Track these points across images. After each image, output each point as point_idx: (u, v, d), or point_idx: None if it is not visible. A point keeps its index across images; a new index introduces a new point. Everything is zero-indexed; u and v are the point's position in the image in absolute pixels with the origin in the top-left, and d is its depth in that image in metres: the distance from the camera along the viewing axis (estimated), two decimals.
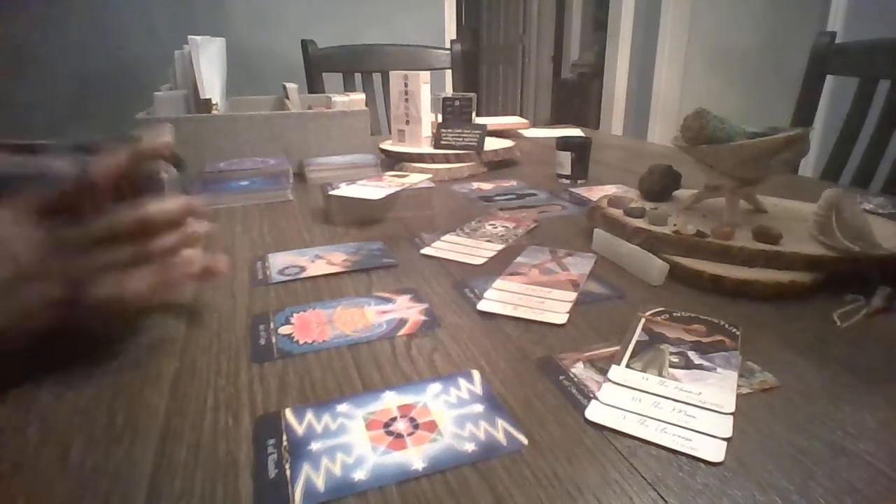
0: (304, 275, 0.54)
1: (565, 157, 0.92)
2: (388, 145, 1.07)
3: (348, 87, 1.60)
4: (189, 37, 0.96)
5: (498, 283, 0.52)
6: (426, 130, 1.06)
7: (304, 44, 1.57)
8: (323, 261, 0.58)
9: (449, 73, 1.71)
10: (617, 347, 0.41)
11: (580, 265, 0.56)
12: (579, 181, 0.93)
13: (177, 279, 0.39)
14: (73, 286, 0.36)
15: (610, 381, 0.36)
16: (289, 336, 0.43)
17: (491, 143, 1.08)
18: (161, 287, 0.39)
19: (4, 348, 0.35)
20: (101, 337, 0.43)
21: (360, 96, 1.17)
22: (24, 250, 0.35)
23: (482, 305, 0.47)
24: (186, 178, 0.44)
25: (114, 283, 0.37)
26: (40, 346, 0.37)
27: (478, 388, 0.36)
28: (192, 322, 0.45)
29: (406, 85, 1.04)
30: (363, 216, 0.72)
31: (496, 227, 0.68)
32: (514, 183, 0.93)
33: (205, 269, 0.49)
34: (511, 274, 0.54)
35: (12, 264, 0.35)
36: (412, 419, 0.33)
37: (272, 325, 0.44)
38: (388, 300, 0.49)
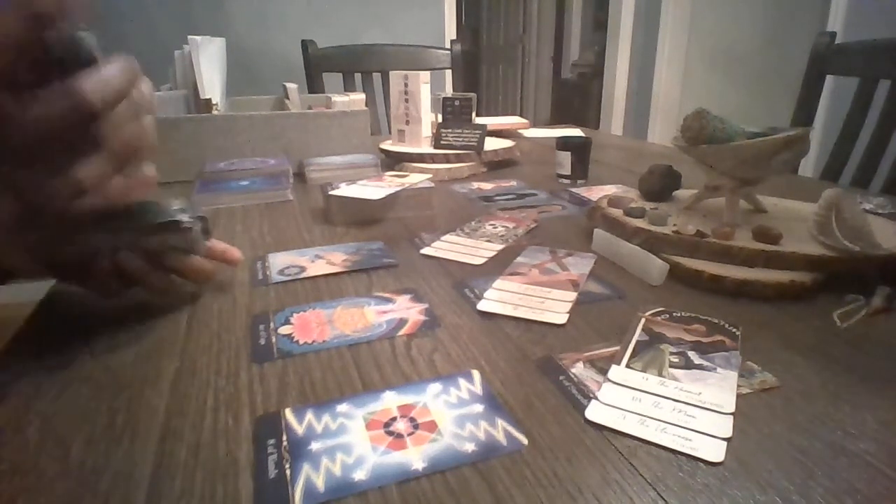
0: (304, 275, 0.54)
1: (565, 157, 0.92)
2: (388, 145, 1.07)
3: (348, 87, 1.60)
4: (189, 37, 0.96)
5: (498, 283, 0.52)
6: (426, 130, 1.06)
7: (304, 44, 1.57)
8: (323, 261, 0.58)
9: (449, 73, 1.71)
10: (617, 347, 0.41)
11: (580, 265, 0.56)
12: (579, 181, 0.93)
13: (130, 154, 0.34)
14: (20, 195, 0.31)
15: (610, 381, 0.36)
16: (289, 336, 0.43)
17: (491, 143, 1.08)
18: (117, 167, 0.34)
19: None
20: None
21: (360, 96, 1.17)
22: None
23: (482, 305, 0.47)
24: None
25: (64, 178, 0.31)
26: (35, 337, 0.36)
27: (478, 388, 0.36)
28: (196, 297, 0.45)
29: (406, 85, 1.04)
30: (363, 216, 0.72)
31: (496, 227, 0.68)
32: (514, 183, 0.93)
33: (223, 253, 0.49)
34: (511, 274, 0.54)
35: None
36: (412, 419, 0.33)
37: (272, 325, 0.44)
38: (388, 300, 0.49)
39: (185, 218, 0.44)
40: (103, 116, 0.32)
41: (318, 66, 1.58)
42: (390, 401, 0.35)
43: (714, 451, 0.30)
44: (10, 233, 0.33)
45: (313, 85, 1.58)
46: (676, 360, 0.39)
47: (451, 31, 2.65)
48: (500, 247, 0.62)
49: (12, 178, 0.31)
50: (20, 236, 0.33)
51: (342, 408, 0.34)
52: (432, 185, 0.76)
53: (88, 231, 0.39)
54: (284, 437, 0.31)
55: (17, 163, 0.31)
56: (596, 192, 0.85)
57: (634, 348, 0.40)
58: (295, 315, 0.46)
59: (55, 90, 0.30)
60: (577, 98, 4.06)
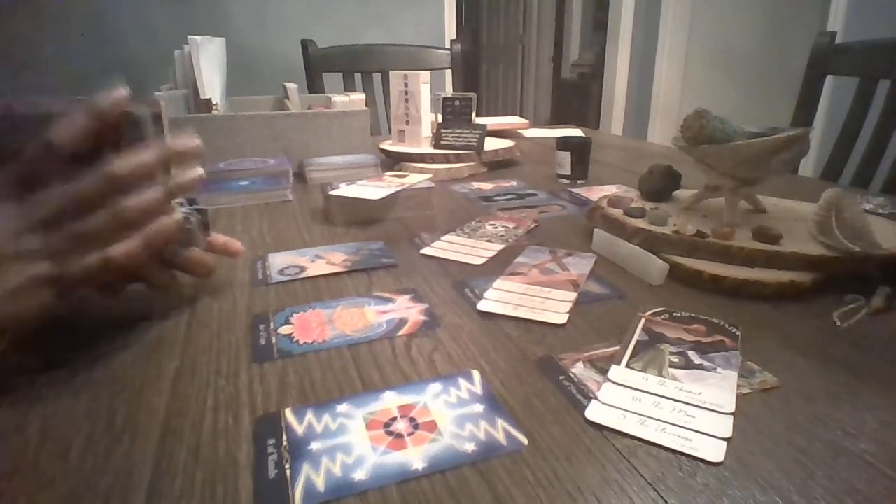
0: (304, 275, 0.54)
1: (565, 157, 0.92)
2: (388, 145, 1.07)
3: (348, 87, 1.60)
4: (189, 37, 0.96)
5: (498, 283, 0.52)
6: (426, 130, 1.06)
7: (304, 44, 1.57)
8: (323, 261, 0.58)
9: (449, 73, 1.71)
10: (617, 347, 0.41)
11: (580, 265, 0.56)
12: (579, 181, 0.93)
13: (161, 237, 0.38)
14: (55, 260, 0.35)
15: (610, 381, 0.36)
16: (289, 336, 0.43)
17: (491, 143, 1.08)
18: (148, 247, 0.37)
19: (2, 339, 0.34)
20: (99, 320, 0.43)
21: (360, 96, 1.17)
22: None
23: (482, 305, 0.47)
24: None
25: (95, 252, 0.35)
26: (35, 337, 0.37)
27: (478, 388, 0.36)
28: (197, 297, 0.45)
29: (406, 85, 1.04)
30: (363, 216, 0.72)
31: (496, 227, 0.68)
32: (514, 183, 0.93)
33: (224, 246, 0.49)
34: (511, 274, 0.54)
35: None
36: (412, 419, 0.33)
37: (272, 325, 0.44)
38: (388, 300, 0.49)
39: (182, 210, 0.44)
40: (131, 192, 0.36)
41: (318, 66, 1.58)
42: (390, 401, 0.35)
43: (714, 451, 0.30)
44: (36, 296, 0.35)
45: (313, 85, 1.58)
46: (676, 360, 0.39)
47: (451, 31, 2.65)
48: (500, 247, 0.62)
49: (52, 237, 0.35)
50: (30, 300, 0.35)
51: (342, 408, 0.34)
52: (432, 185, 0.76)
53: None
54: (284, 437, 0.31)
55: (57, 231, 0.35)
56: (596, 192, 0.85)
57: (634, 348, 0.40)
58: (295, 315, 0.46)
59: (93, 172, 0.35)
60: (577, 98, 4.06)
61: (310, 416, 0.33)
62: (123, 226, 0.36)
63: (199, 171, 0.42)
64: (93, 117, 0.36)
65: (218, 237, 0.50)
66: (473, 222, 0.71)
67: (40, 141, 0.35)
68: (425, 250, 0.61)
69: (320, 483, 0.28)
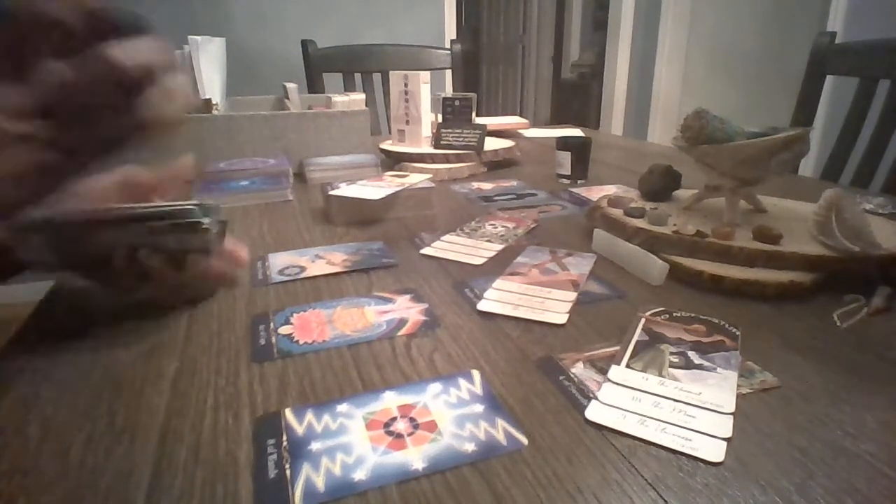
0: (304, 275, 0.54)
1: (565, 157, 0.92)
2: (388, 145, 1.07)
3: (348, 87, 1.60)
4: (189, 37, 0.96)
5: (498, 283, 0.52)
6: (426, 130, 1.06)
7: (304, 44, 1.57)
8: (323, 261, 0.58)
9: (449, 73, 1.71)
10: (617, 347, 0.41)
11: (580, 265, 0.56)
12: (579, 181, 0.93)
13: (164, 113, 0.35)
14: (60, 142, 0.32)
15: (610, 381, 0.36)
16: (289, 336, 0.43)
17: (491, 143, 1.08)
18: (152, 124, 0.35)
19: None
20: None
21: (360, 96, 1.17)
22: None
23: (482, 305, 0.47)
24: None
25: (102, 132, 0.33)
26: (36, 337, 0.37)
27: (478, 388, 0.36)
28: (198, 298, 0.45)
29: (406, 85, 1.04)
30: (363, 216, 0.72)
31: (496, 227, 0.68)
32: (514, 183, 0.93)
33: (230, 254, 0.49)
34: (511, 274, 0.54)
35: None
36: (412, 419, 0.33)
37: (272, 325, 0.44)
38: (388, 300, 0.49)
39: (205, 220, 0.44)
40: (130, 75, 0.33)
41: (318, 66, 1.58)
42: (390, 401, 0.35)
43: (714, 451, 0.30)
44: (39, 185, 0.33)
45: (313, 85, 1.58)
46: (676, 360, 0.39)
47: (451, 31, 2.65)
48: (500, 247, 0.62)
49: (60, 139, 0.32)
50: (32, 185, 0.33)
51: (342, 408, 0.34)
52: (432, 185, 0.76)
53: (111, 226, 0.40)
54: (284, 437, 0.31)
55: (62, 125, 0.32)
56: (596, 192, 0.85)
57: (634, 348, 0.40)
58: (295, 315, 0.46)
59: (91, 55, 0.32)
60: (577, 98, 4.06)
61: (310, 416, 0.33)
62: (126, 113, 0.33)
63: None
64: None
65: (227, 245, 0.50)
66: (473, 222, 0.71)
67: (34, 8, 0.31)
68: (425, 250, 0.61)
69: (320, 483, 0.28)
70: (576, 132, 1.43)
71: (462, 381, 0.37)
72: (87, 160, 0.35)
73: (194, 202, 0.44)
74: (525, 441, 0.31)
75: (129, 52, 0.33)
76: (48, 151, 0.32)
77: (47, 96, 0.32)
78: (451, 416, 0.33)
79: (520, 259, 0.58)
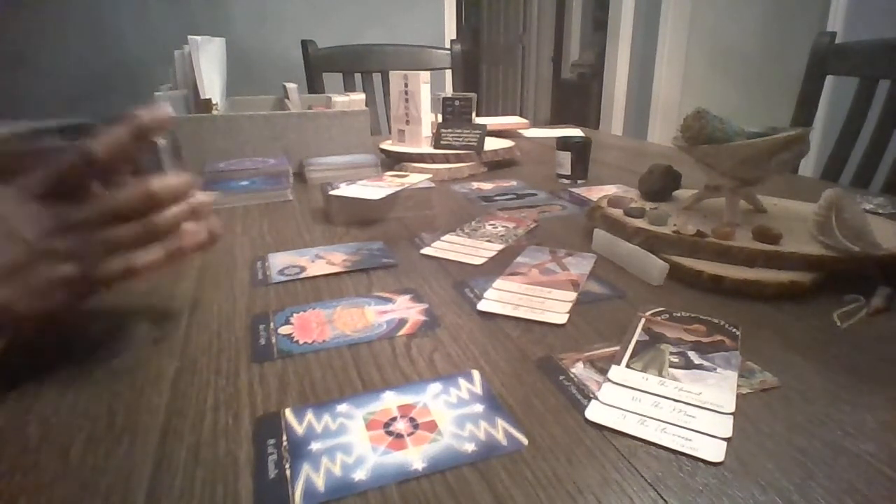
0: (304, 275, 0.54)
1: (565, 157, 0.92)
2: (388, 145, 1.07)
3: (348, 87, 1.60)
4: (189, 37, 0.96)
5: (498, 283, 0.52)
6: (426, 130, 1.06)
7: (304, 44, 1.57)
8: (323, 261, 0.58)
9: (449, 73, 1.71)
10: (617, 347, 0.41)
11: (580, 265, 0.56)
12: (579, 181, 0.93)
13: (184, 252, 0.40)
14: (81, 264, 0.36)
15: (610, 381, 0.36)
16: (289, 336, 0.43)
17: (491, 143, 1.08)
18: (169, 261, 0.39)
19: (17, 332, 0.35)
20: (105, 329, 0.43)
21: (360, 96, 1.17)
22: (30, 229, 0.35)
23: (482, 305, 0.47)
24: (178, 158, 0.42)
25: (122, 260, 0.37)
26: (51, 332, 0.37)
27: (478, 388, 0.36)
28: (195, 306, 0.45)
29: (406, 85, 1.04)
30: (363, 216, 0.72)
31: (496, 227, 0.68)
32: (514, 183, 0.93)
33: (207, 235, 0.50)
34: (511, 274, 0.54)
35: (20, 244, 0.34)
36: (412, 419, 0.33)
37: (272, 325, 0.44)
38: (388, 300, 0.49)
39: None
40: (162, 210, 0.38)
41: (318, 66, 1.58)
42: (390, 401, 0.35)
43: (714, 451, 0.30)
44: (58, 292, 0.36)
45: (313, 85, 1.58)
46: (676, 360, 0.39)
47: (451, 31, 2.65)
48: (500, 247, 0.62)
49: (83, 245, 0.36)
50: (52, 298, 0.36)
51: (342, 408, 0.34)
52: (432, 185, 0.76)
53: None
54: (284, 437, 0.31)
55: (90, 234, 0.37)
56: (596, 192, 0.85)
57: (634, 348, 0.40)
58: (295, 315, 0.46)
59: (135, 181, 0.38)
60: (577, 98, 4.06)
61: (310, 416, 0.33)
62: (151, 238, 0.38)
63: (210, 196, 0.44)
64: (133, 134, 0.38)
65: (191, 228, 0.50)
66: (473, 222, 0.71)
67: (79, 149, 0.36)
68: (425, 250, 0.61)
69: (320, 483, 0.28)
70: (576, 132, 1.43)
71: (462, 381, 0.37)
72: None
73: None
74: (525, 441, 0.31)
75: (168, 185, 0.39)
76: (73, 266, 0.36)
77: (84, 218, 0.37)
78: (451, 416, 0.33)
79: (520, 259, 0.58)
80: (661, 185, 0.69)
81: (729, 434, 0.31)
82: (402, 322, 0.45)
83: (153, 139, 0.40)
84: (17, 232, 0.35)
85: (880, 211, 0.73)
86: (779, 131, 0.59)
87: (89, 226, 0.37)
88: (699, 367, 0.38)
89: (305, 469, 0.29)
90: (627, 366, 0.38)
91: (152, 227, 0.38)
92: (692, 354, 0.40)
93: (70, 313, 0.38)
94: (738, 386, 0.36)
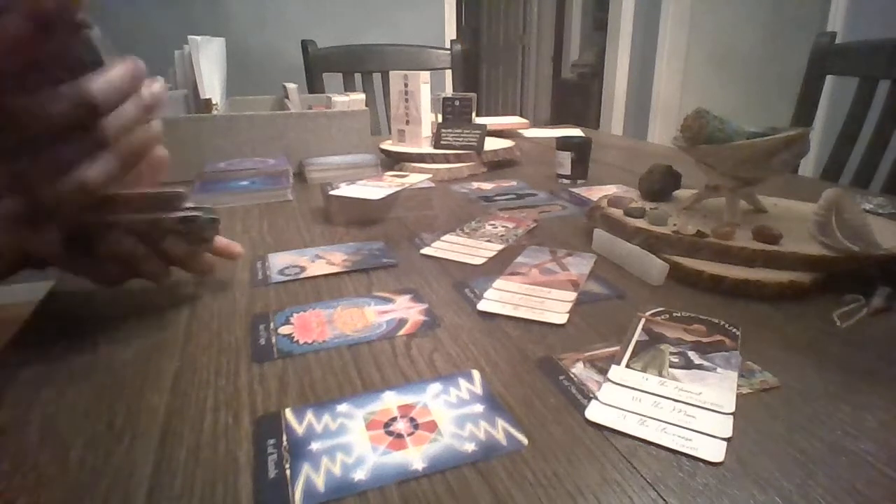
0: (304, 275, 0.54)
1: (565, 157, 0.92)
2: (388, 145, 1.07)
3: (348, 87, 1.60)
4: (189, 37, 0.96)
5: (498, 283, 0.52)
6: (426, 130, 1.06)
7: (304, 44, 1.57)
8: (323, 261, 0.58)
9: (449, 73, 1.71)
10: (617, 347, 0.41)
11: (580, 265, 0.56)
12: (579, 181, 0.93)
13: (139, 154, 0.35)
14: (26, 192, 0.32)
15: (610, 381, 0.36)
16: (289, 336, 0.43)
17: (491, 143, 1.08)
18: (124, 167, 0.35)
19: None
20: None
21: (360, 96, 1.17)
22: None
23: (482, 305, 0.47)
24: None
25: (71, 178, 0.32)
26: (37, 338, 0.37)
27: (478, 388, 0.36)
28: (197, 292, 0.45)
29: (406, 85, 1.04)
30: (363, 216, 0.72)
31: (496, 227, 0.68)
32: (514, 183, 0.93)
33: (226, 247, 0.49)
34: (511, 274, 0.54)
35: None
36: (412, 419, 0.33)
37: (272, 325, 0.44)
38: (388, 300, 0.49)
39: (201, 214, 0.45)
40: (107, 114, 0.33)
41: (318, 66, 1.58)
42: (390, 401, 0.35)
43: (714, 451, 0.30)
44: (14, 229, 0.33)
45: (313, 85, 1.58)
46: (676, 360, 0.39)
47: (451, 31, 2.65)
48: (500, 247, 0.62)
49: (20, 175, 0.32)
50: (23, 231, 0.33)
51: (342, 408, 0.34)
52: (432, 185, 0.76)
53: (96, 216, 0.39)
54: (284, 437, 0.31)
55: (25, 160, 0.32)
56: (596, 192, 0.85)
57: (634, 348, 0.40)
58: (295, 315, 0.46)
59: (62, 89, 0.31)
60: (577, 98, 4.06)
61: (310, 416, 0.33)
62: (98, 147, 0.33)
63: (159, 82, 0.38)
64: (29, 18, 0.30)
65: (220, 240, 0.50)
66: (473, 222, 0.71)
67: None
68: (425, 250, 0.61)
69: (320, 483, 0.28)
70: (576, 132, 1.43)
71: (462, 381, 0.37)
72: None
73: (199, 206, 0.44)
74: (525, 441, 0.31)
75: (101, 83, 0.33)
76: (13, 201, 0.32)
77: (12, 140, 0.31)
78: (451, 416, 0.33)
79: (520, 259, 0.58)
80: (661, 185, 0.69)
81: (729, 434, 0.31)
82: (402, 322, 0.45)
83: (72, 25, 0.32)
84: None
85: (880, 211, 0.73)
86: (779, 131, 0.59)
87: (21, 149, 0.31)
88: (699, 367, 0.38)
89: (305, 469, 0.29)
90: (627, 366, 0.38)
91: (97, 135, 0.33)
92: (692, 354, 0.40)
93: (42, 248, 0.35)
94: (738, 386, 0.36)
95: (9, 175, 0.32)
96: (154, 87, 0.37)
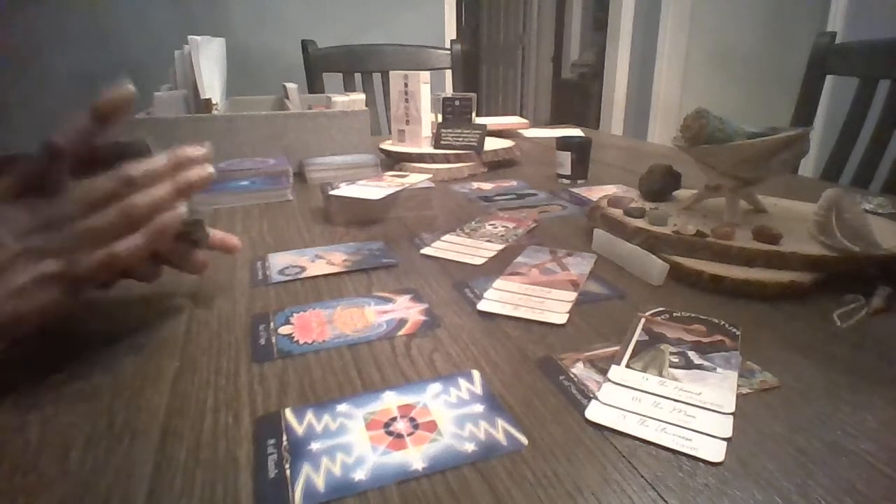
0: (304, 275, 0.54)
1: (565, 157, 0.92)
2: (388, 145, 1.07)
3: (348, 87, 1.60)
4: (189, 37, 0.96)
5: (498, 283, 0.52)
6: (426, 130, 1.06)
7: (304, 44, 1.57)
8: (323, 261, 0.58)
9: (449, 73, 1.71)
10: (617, 347, 0.41)
11: (580, 265, 0.56)
12: (579, 181, 0.93)
13: (163, 232, 0.39)
14: (62, 258, 0.36)
15: (610, 381, 0.36)
16: (289, 336, 0.43)
17: (491, 143, 1.08)
18: (149, 243, 0.38)
19: (11, 334, 0.35)
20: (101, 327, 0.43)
21: (360, 96, 1.17)
22: (4, 231, 0.35)
23: (482, 305, 0.47)
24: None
25: (103, 250, 0.36)
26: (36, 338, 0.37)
27: (478, 388, 0.36)
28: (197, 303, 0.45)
29: (406, 85, 1.04)
30: (363, 216, 0.72)
31: (496, 227, 0.68)
32: (514, 183, 0.93)
33: (222, 241, 0.49)
34: (511, 274, 0.54)
35: None
36: (412, 419, 0.33)
37: (272, 325, 0.44)
38: (388, 300, 0.49)
39: (187, 216, 0.44)
40: (142, 191, 0.38)
41: (318, 66, 1.58)
42: (390, 401, 0.35)
43: (714, 451, 0.30)
44: (48, 286, 0.36)
45: (313, 85, 1.58)
46: (676, 360, 0.39)
47: (451, 31, 2.65)
48: (500, 247, 0.62)
49: (65, 241, 0.36)
50: (37, 298, 0.36)
51: (342, 408, 0.34)
52: (432, 185, 0.76)
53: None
54: (284, 437, 0.31)
55: (68, 230, 0.36)
56: (596, 192, 0.85)
57: (634, 348, 0.40)
58: (295, 315, 0.46)
59: (111, 171, 0.37)
60: (577, 98, 4.06)
61: (310, 416, 0.33)
62: (130, 223, 0.37)
63: (209, 169, 0.42)
64: (94, 118, 0.37)
65: (216, 233, 0.50)
66: (473, 222, 0.71)
67: (44, 144, 0.36)
68: (425, 250, 0.61)
69: (320, 483, 0.28)
70: (576, 132, 1.43)
71: (462, 381, 0.37)
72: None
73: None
74: (525, 441, 0.31)
75: (143, 167, 0.38)
76: (55, 262, 0.35)
77: (58, 212, 0.36)
78: (451, 416, 0.33)
79: (520, 259, 0.58)
80: (661, 185, 0.69)
81: (729, 434, 0.31)
82: (402, 322, 0.45)
83: (121, 119, 0.39)
84: None
85: (880, 211, 0.73)
86: (779, 131, 0.59)
87: (65, 220, 0.36)
88: (699, 367, 0.38)
89: (305, 469, 0.29)
90: (627, 366, 0.38)
91: (129, 209, 0.37)
92: (692, 354, 0.40)
93: (63, 310, 0.37)
94: (738, 386, 0.36)
95: (56, 241, 0.36)
96: (204, 170, 0.42)
